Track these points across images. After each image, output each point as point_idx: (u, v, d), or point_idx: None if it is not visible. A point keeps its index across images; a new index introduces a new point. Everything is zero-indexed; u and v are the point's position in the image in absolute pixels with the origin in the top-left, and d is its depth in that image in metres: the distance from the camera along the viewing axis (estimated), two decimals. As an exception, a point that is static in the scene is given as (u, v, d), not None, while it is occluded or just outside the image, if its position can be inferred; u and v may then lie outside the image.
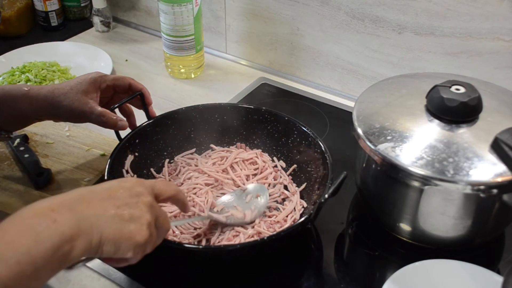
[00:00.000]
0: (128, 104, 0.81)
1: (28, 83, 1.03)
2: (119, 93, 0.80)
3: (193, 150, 0.85)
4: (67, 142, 0.90)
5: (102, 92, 0.77)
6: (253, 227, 0.72)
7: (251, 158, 0.83)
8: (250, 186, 0.77)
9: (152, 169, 0.81)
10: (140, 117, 0.82)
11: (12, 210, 0.75)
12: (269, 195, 0.76)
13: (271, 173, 0.81)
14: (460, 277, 0.64)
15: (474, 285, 0.64)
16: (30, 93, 0.74)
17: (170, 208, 0.73)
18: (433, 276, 0.64)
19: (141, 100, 0.80)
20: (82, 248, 0.46)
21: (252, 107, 0.85)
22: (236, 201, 0.75)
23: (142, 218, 0.51)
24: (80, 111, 0.73)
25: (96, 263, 0.69)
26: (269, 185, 0.79)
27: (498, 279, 0.62)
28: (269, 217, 0.74)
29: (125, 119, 0.78)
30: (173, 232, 0.71)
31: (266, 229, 0.71)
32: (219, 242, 0.69)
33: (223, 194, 0.77)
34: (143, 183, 0.55)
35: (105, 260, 0.52)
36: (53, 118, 0.78)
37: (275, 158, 0.84)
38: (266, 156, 0.84)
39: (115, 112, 0.76)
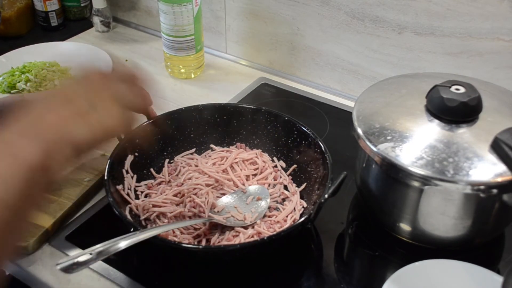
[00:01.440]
0: None
1: (28, 83, 1.03)
2: None
3: (193, 150, 0.85)
4: (67, 142, 0.90)
5: None
6: (253, 227, 0.72)
7: (251, 158, 0.83)
8: (252, 188, 0.77)
9: (152, 169, 0.81)
10: (140, 118, 0.81)
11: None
12: (269, 195, 0.76)
13: (271, 173, 0.81)
14: (460, 277, 0.64)
15: (474, 285, 0.64)
16: (25, 98, 0.73)
17: (169, 208, 0.73)
18: (433, 276, 0.64)
19: None
20: (60, 166, 0.44)
21: (252, 107, 0.85)
22: (236, 202, 0.75)
23: (110, 112, 0.50)
24: None
25: (96, 263, 0.69)
26: (269, 185, 0.79)
27: (498, 279, 0.62)
28: (269, 217, 0.74)
29: None
30: (173, 232, 0.71)
31: (266, 229, 0.71)
32: (219, 242, 0.69)
33: (223, 194, 0.77)
34: (106, 75, 0.54)
35: None
36: None
37: (275, 158, 0.84)
38: (266, 156, 0.84)
39: None
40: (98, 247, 0.55)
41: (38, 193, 0.43)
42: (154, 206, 0.74)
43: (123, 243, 0.57)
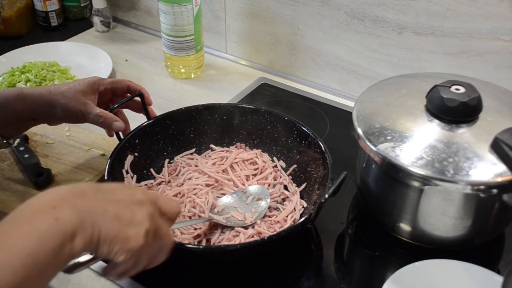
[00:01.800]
0: (123, 111, 0.81)
1: (28, 83, 1.03)
2: (118, 97, 0.80)
3: (193, 150, 0.85)
4: (67, 142, 0.90)
5: (100, 95, 0.77)
6: (253, 227, 0.72)
7: (251, 158, 0.83)
8: (252, 188, 0.77)
9: (152, 169, 0.81)
10: (140, 118, 0.82)
11: (12, 210, 0.75)
12: (269, 195, 0.76)
13: (271, 173, 0.81)
14: (460, 277, 0.64)
15: (474, 285, 0.64)
16: (24, 92, 0.73)
17: None
18: (433, 276, 0.64)
19: (141, 101, 0.80)
20: (82, 245, 0.46)
21: (252, 107, 0.85)
22: (236, 202, 0.75)
23: (141, 224, 0.51)
24: (78, 111, 0.73)
25: (96, 263, 0.69)
26: (269, 185, 0.79)
27: (498, 279, 0.62)
28: (269, 217, 0.74)
29: (121, 120, 0.77)
30: (173, 232, 0.71)
31: (266, 229, 0.71)
32: (219, 242, 0.69)
33: (223, 194, 0.77)
34: (147, 192, 0.54)
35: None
36: (49, 118, 0.77)
37: (275, 158, 0.84)
38: (266, 156, 0.84)
39: (114, 113, 0.76)
40: None
41: (58, 262, 0.44)
42: None
43: None
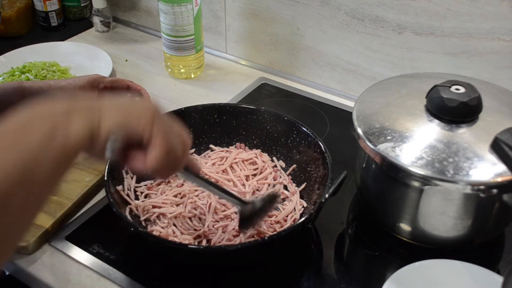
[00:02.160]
0: None
1: (28, 83, 1.03)
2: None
3: (192, 150, 0.85)
4: (67, 142, 0.90)
5: (99, 93, 0.76)
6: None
7: (251, 158, 0.83)
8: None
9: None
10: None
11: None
12: None
13: (270, 173, 0.81)
14: (460, 277, 0.64)
15: (474, 285, 0.64)
16: (23, 85, 0.72)
17: (169, 209, 0.73)
18: (433, 276, 0.65)
19: None
20: (81, 128, 0.40)
21: (251, 107, 0.85)
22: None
23: (146, 106, 0.46)
24: None
25: (96, 263, 0.69)
26: (269, 185, 0.79)
27: (498, 279, 0.62)
28: (269, 217, 0.74)
29: None
30: (173, 232, 0.71)
31: (266, 229, 0.71)
32: (219, 242, 0.69)
33: None
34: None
35: (123, 158, 0.46)
36: None
37: (274, 158, 0.84)
38: (265, 156, 0.84)
39: None
40: None
41: (58, 149, 0.39)
42: (154, 207, 0.74)
43: None
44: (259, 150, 0.84)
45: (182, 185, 0.78)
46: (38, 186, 0.39)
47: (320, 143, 0.75)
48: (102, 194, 0.81)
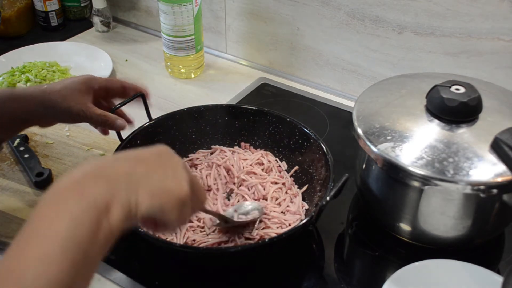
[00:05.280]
0: (123, 111, 0.79)
1: (28, 83, 1.03)
2: (111, 96, 0.77)
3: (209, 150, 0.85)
4: (67, 142, 0.90)
5: (94, 94, 0.74)
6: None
7: (258, 159, 0.82)
8: (242, 205, 0.76)
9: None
10: (142, 118, 0.81)
11: (12, 210, 0.75)
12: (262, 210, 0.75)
13: (275, 174, 0.81)
14: (460, 277, 0.64)
15: (474, 285, 0.64)
16: (15, 92, 0.71)
17: None
18: (433, 276, 0.65)
19: (143, 101, 0.80)
20: (121, 214, 0.42)
21: (254, 108, 0.85)
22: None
23: (177, 174, 0.47)
24: (78, 110, 0.71)
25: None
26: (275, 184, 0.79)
27: (498, 279, 0.63)
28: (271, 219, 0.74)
29: (122, 118, 0.75)
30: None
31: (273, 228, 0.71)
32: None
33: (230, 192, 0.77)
34: (170, 149, 0.51)
35: (147, 224, 0.48)
36: (41, 118, 0.73)
37: (277, 160, 0.84)
38: (271, 156, 0.84)
39: (115, 113, 0.76)
40: None
41: (100, 239, 0.41)
42: None
43: None
44: (262, 150, 0.84)
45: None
46: (87, 272, 0.41)
47: (322, 145, 0.75)
48: (102, 194, 0.81)
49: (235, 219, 0.72)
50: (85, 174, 0.44)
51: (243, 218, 0.72)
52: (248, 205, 0.74)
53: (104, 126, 0.74)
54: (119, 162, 0.46)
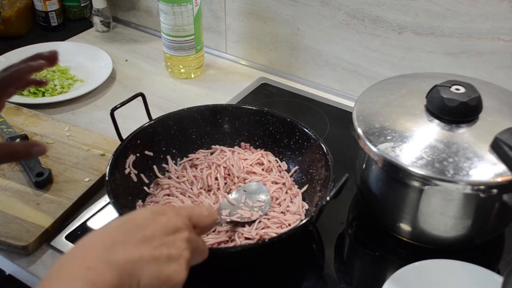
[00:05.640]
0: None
1: (28, 83, 1.03)
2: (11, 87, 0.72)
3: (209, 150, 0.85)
4: (67, 142, 0.90)
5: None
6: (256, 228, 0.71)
7: (258, 159, 0.82)
8: (250, 185, 0.77)
9: (154, 167, 0.81)
10: (142, 118, 0.82)
11: (12, 210, 0.75)
12: (267, 191, 0.76)
13: (275, 173, 0.81)
14: (460, 277, 0.64)
15: (474, 285, 0.64)
16: None
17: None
18: (433, 276, 0.65)
19: (143, 101, 0.80)
20: None
21: (254, 108, 0.85)
22: (240, 201, 0.74)
23: (180, 257, 0.49)
24: None
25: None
26: (276, 184, 0.79)
27: (498, 279, 0.63)
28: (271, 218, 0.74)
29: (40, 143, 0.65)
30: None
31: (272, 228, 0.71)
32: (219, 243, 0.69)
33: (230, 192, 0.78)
34: (180, 213, 0.52)
35: None
36: None
37: (277, 160, 0.84)
38: (271, 156, 0.84)
39: (114, 116, 0.75)
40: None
41: None
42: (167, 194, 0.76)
43: None
44: (262, 150, 0.84)
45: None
46: None
47: (323, 145, 0.75)
48: (102, 194, 0.81)
49: (244, 199, 0.74)
50: (96, 256, 0.45)
51: (250, 204, 0.73)
52: (255, 185, 0.77)
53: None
54: (128, 241, 0.47)
